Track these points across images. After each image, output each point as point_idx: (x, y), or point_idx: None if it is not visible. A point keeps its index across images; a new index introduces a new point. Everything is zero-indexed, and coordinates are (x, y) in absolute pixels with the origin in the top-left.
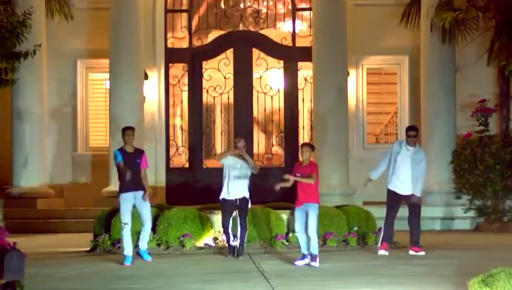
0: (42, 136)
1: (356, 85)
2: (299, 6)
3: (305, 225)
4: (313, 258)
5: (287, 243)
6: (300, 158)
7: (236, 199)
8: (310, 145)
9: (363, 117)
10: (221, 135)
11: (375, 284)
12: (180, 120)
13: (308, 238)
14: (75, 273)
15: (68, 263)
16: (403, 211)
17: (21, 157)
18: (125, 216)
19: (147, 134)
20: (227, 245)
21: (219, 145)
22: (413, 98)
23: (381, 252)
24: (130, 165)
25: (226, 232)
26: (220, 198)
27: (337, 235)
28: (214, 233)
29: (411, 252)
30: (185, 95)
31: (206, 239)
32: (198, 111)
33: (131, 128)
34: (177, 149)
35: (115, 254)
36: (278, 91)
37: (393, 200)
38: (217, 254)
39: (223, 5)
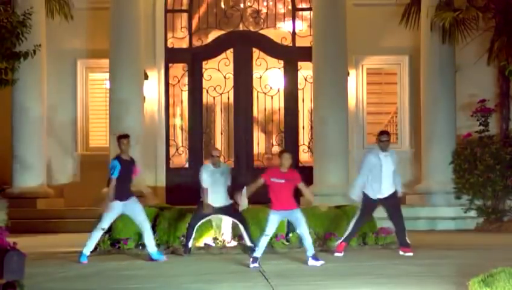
0: (42, 136)
1: (356, 85)
2: (299, 6)
3: (290, 226)
4: (314, 256)
5: (287, 243)
6: (278, 163)
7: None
8: (291, 154)
9: (363, 117)
10: (221, 135)
11: (375, 284)
12: (180, 120)
13: (303, 240)
14: (75, 273)
15: (68, 263)
16: (403, 212)
17: (21, 157)
18: (105, 222)
19: (147, 134)
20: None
21: (219, 145)
22: (413, 98)
23: (337, 254)
24: (126, 173)
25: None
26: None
27: (337, 235)
28: (214, 233)
29: (401, 253)
30: (185, 95)
31: (206, 239)
32: (198, 111)
33: (127, 137)
34: (177, 149)
35: (115, 254)
36: (278, 91)
37: (371, 205)
38: (217, 254)
39: (223, 5)
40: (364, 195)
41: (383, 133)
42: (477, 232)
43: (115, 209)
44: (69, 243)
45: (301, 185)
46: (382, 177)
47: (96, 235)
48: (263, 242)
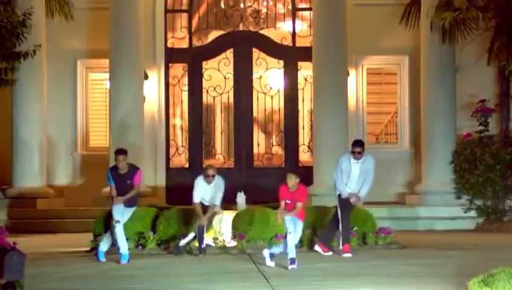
0: (42, 136)
1: (356, 85)
2: (299, 6)
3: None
4: (293, 261)
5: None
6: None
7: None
8: (295, 174)
9: (363, 117)
10: (221, 135)
11: (375, 284)
12: (180, 120)
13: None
14: (75, 273)
15: (68, 263)
16: (403, 212)
17: (21, 157)
18: (117, 214)
19: (147, 134)
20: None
21: (219, 145)
22: (413, 98)
23: (346, 255)
24: (120, 186)
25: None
26: None
27: (337, 235)
28: (214, 233)
29: (317, 248)
30: (185, 95)
31: (206, 239)
32: (198, 111)
33: (121, 153)
34: (177, 149)
35: (114, 254)
36: (278, 91)
37: (345, 203)
38: (217, 254)
39: (223, 5)
40: (339, 197)
41: (356, 144)
42: (477, 232)
43: (118, 206)
44: (69, 243)
45: (298, 205)
46: (350, 180)
47: (118, 231)
48: (289, 240)
